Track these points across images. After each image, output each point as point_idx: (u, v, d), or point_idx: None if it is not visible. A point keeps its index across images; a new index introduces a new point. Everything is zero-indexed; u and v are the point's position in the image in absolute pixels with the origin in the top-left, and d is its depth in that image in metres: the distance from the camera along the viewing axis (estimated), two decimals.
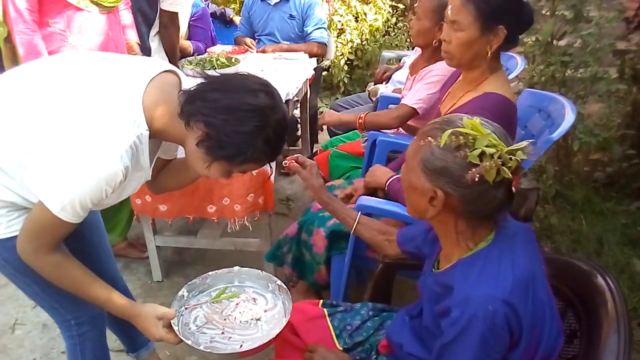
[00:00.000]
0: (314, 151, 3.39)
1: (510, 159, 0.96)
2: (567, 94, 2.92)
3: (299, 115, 3.31)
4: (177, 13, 2.74)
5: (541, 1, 2.94)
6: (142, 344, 1.85)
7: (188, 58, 2.81)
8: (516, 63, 2.22)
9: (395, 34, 4.95)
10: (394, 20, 5.00)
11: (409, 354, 1.21)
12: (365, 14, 4.71)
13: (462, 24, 1.47)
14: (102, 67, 1.23)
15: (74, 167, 1.08)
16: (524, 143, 0.99)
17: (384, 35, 4.84)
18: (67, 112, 1.12)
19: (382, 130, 2.24)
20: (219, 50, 2.97)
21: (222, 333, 1.32)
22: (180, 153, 1.40)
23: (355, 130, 2.64)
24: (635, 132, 3.03)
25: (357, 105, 3.15)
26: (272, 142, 1.16)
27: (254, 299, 1.42)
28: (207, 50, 3.02)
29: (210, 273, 1.45)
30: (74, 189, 1.09)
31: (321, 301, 1.48)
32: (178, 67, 2.71)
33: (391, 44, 4.62)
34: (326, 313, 1.42)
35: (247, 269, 1.47)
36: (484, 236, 1.05)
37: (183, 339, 1.25)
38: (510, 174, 0.95)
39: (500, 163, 0.95)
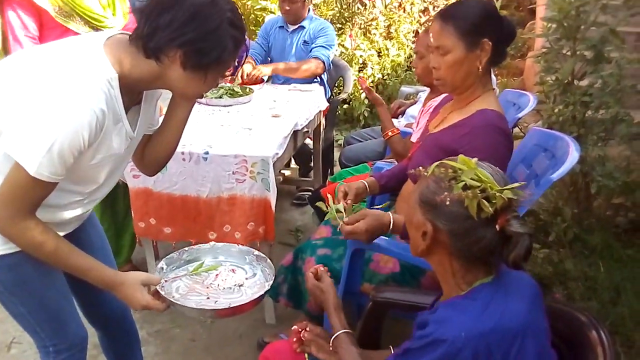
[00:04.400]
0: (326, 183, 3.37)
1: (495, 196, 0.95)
2: (587, 136, 2.84)
3: (312, 147, 3.30)
4: None
5: (561, 40, 2.89)
6: None
7: None
8: (528, 100, 2.18)
9: None
10: None
11: None
12: (387, 49, 4.74)
13: (446, 46, 1.49)
14: (59, 43, 1.23)
15: (46, 116, 1.07)
16: (516, 185, 0.98)
17: (405, 71, 4.85)
18: (34, 79, 1.11)
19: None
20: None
21: (208, 298, 1.34)
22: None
23: (365, 164, 2.62)
24: None
25: (370, 139, 3.13)
26: (237, 23, 1.19)
27: (233, 270, 1.44)
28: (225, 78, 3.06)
29: (186, 248, 1.48)
30: (50, 137, 1.06)
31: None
32: None
33: (412, 80, 4.61)
34: (306, 357, 1.36)
35: (223, 244, 1.52)
36: (480, 278, 1.02)
37: (172, 300, 1.27)
38: (490, 209, 0.94)
39: (480, 196, 0.94)
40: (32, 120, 1.08)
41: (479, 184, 0.96)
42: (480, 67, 1.50)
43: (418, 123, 2.17)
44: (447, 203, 0.97)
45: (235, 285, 1.38)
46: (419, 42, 2.14)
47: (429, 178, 1.04)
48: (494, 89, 1.61)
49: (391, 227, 1.56)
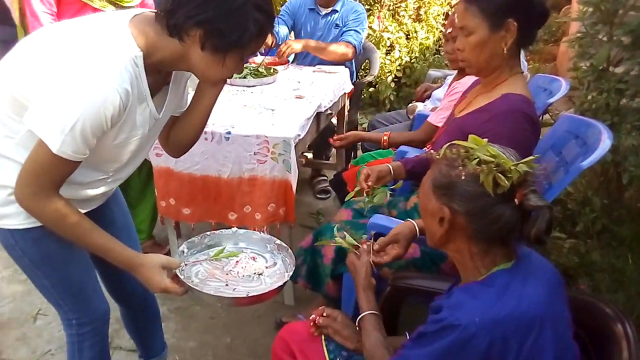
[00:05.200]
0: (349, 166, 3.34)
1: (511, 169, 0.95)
2: (621, 124, 2.74)
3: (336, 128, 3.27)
4: None
5: (597, 25, 2.78)
6: (157, 352, 1.84)
7: None
8: (560, 85, 2.10)
9: None
10: None
11: None
12: (416, 32, 4.64)
13: (470, 27, 1.46)
14: (84, 20, 1.23)
15: (70, 95, 1.06)
16: (531, 158, 0.97)
17: (434, 54, 4.75)
18: (60, 56, 1.11)
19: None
20: (259, 60, 2.99)
21: (226, 285, 1.33)
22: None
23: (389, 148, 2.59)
24: None
25: (395, 122, 3.08)
26: (264, 7, 1.15)
27: (253, 257, 1.43)
28: (249, 59, 3.04)
29: (208, 233, 1.46)
30: (72, 116, 1.06)
31: None
32: None
33: (440, 63, 4.52)
34: (323, 336, 1.36)
35: (244, 230, 1.50)
36: (499, 263, 1.01)
37: (190, 285, 1.26)
38: (507, 183, 0.93)
39: (496, 170, 0.94)
40: (56, 98, 1.08)
41: (492, 159, 0.95)
42: (505, 49, 1.46)
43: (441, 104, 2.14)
44: (462, 180, 0.97)
45: (254, 273, 1.37)
46: (452, 25, 2.10)
47: (440, 162, 1.03)
48: (523, 72, 1.55)
49: (418, 233, 1.51)
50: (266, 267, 1.40)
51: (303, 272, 1.89)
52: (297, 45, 3.02)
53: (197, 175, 2.13)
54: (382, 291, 1.65)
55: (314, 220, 3.03)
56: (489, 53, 1.48)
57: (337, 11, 3.20)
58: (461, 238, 1.02)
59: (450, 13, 4.62)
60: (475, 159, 0.96)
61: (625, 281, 2.32)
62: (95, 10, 2.09)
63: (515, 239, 1.01)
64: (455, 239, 1.03)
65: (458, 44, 1.52)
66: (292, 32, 3.36)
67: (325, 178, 3.33)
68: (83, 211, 1.32)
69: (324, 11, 3.22)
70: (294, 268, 1.38)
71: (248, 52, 1.21)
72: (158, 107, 1.27)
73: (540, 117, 2.53)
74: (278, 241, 1.46)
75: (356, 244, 1.44)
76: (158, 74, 1.24)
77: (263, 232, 2.09)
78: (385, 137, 2.27)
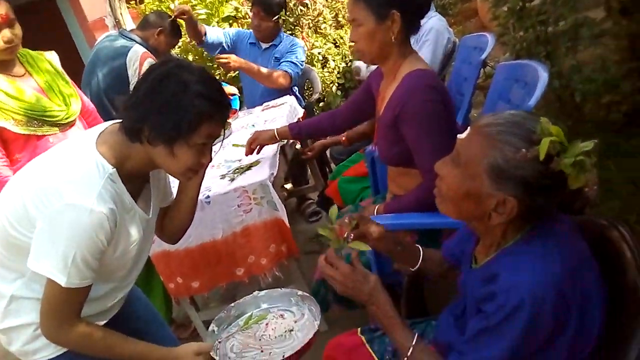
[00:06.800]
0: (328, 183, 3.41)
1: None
2: (555, 51, 2.87)
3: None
4: None
5: None
6: None
7: None
8: (486, 40, 2.21)
9: None
10: None
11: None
12: (342, 38, 4.78)
13: (359, 19, 1.58)
14: (56, 148, 1.29)
15: (60, 232, 1.11)
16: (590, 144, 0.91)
17: None
18: (39, 195, 1.14)
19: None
20: None
21: (262, 351, 1.35)
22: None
23: (358, 152, 2.66)
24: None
25: None
26: (207, 93, 1.16)
27: (281, 315, 1.45)
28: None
29: (232, 304, 1.49)
30: (69, 250, 1.10)
31: (359, 329, 1.47)
32: None
33: None
34: (364, 340, 1.41)
35: (265, 291, 1.52)
36: (521, 229, 1.03)
37: None
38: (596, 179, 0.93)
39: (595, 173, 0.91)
40: (48, 237, 1.12)
41: (589, 160, 0.89)
42: (393, 37, 1.57)
43: None
44: (541, 173, 0.92)
45: (285, 331, 1.39)
46: None
47: (503, 148, 0.94)
48: (414, 52, 1.67)
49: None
50: (295, 322, 1.42)
51: (331, 298, 1.89)
52: (235, 58, 3.06)
53: (193, 247, 2.17)
54: (401, 282, 1.71)
55: (317, 244, 3.07)
56: (378, 42, 1.59)
57: (276, 45, 3.32)
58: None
59: None
60: (569, 158, 0.89)
61: (614, 188, 2.41)
62: (40, 137, 2.06)
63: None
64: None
65: (351, 36, 1.64)
66: None
67: (312, 200, 3.39)
68: (106, 320, 1.37)
69: (264, 46, 3.34)
70: (320, 315, 1.39)
71: (195, 140, 1.18)
72: (145, 208, 1.32)
73: (482, 70, 2.64)
74: (300, 292, 1.48)
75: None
76: (136, 179, 1.29)
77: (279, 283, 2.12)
78: (343, 137, 2.52)
